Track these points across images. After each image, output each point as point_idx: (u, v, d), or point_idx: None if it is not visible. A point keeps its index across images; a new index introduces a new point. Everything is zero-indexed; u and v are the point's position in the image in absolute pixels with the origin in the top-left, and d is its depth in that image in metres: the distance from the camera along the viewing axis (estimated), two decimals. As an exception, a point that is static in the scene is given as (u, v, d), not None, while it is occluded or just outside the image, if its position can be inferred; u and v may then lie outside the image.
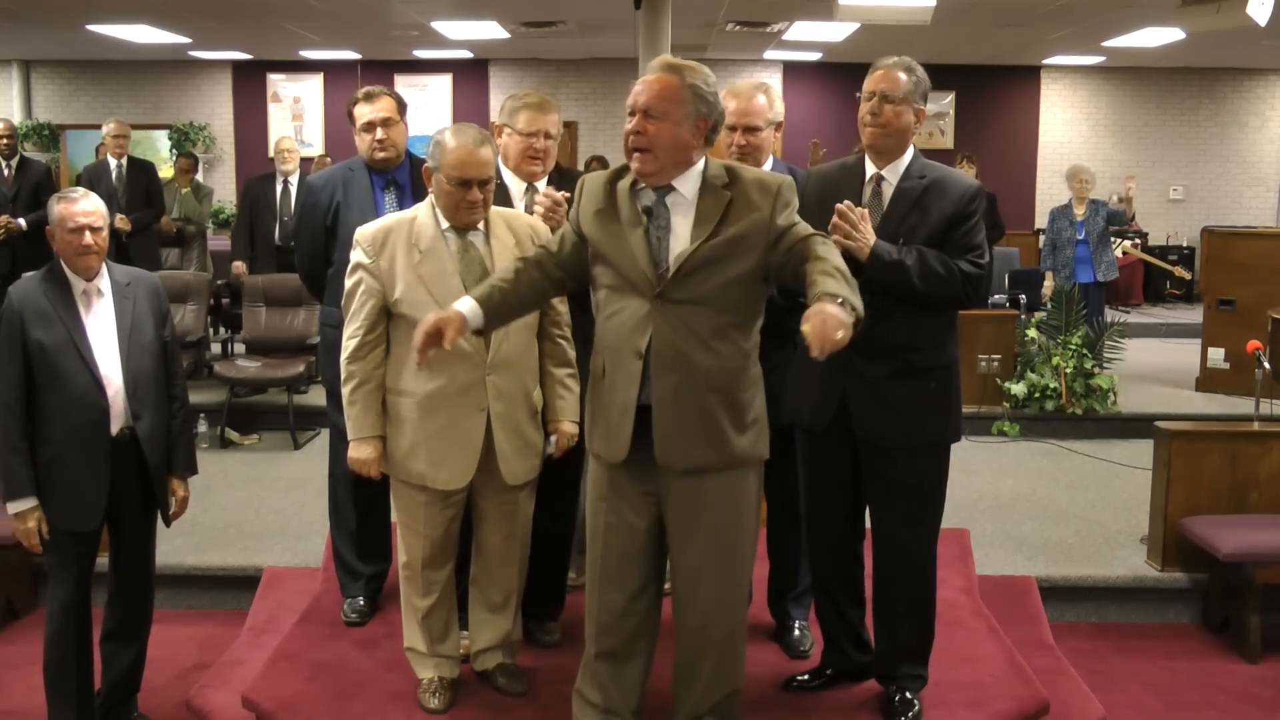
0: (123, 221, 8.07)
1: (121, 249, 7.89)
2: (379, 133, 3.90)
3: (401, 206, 3.80)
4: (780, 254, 2.75)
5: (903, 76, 3.17)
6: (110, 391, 3.41)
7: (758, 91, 3.56)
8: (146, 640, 3.70)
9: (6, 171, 8.12)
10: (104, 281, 3.47)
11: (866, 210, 3.16)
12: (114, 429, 3.43)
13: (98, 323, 3.44)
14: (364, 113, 3.92)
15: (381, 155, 3.92)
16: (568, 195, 3.20)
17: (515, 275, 2.94)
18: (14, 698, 4.03)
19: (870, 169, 3.27)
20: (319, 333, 4.36)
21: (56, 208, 3.40)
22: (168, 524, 3.65)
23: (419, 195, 3.39)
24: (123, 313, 3.47)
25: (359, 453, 3.21)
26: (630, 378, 2.79)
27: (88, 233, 3.37)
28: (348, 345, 3.19)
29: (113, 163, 8.28)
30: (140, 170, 8.45)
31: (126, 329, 3.46)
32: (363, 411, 3.19)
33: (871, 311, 3.13)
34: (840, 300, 2.50)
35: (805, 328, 2.46)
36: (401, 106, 3.99)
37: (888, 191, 3.23)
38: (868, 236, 3.09)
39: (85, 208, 3.39)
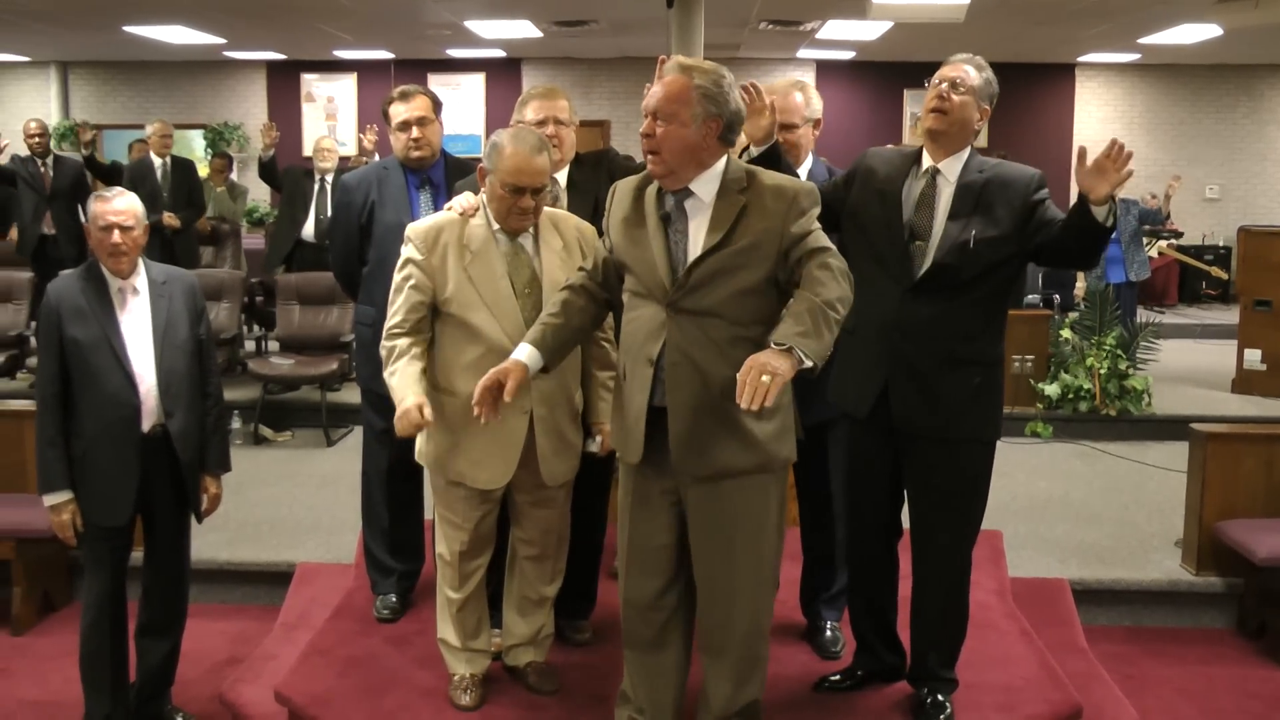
0: (171, 219, 8.15)
1: (166, 245, 7.98)
2: (414, 131, 3.91)
3: (436, 205, 3.80)
4: (789, 265, 2.70)
5: (973, 71, 3.16)
6: (142, 389, 3.44)
7: (794, 89, 3.54)
8: (181, 635, 3.73)
9: (44, 171, 8.22)
10: (140, 279, 3.50)
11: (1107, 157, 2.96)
12: (145, 426, 3.46)
13: (133, 320, 3.47)
14: (399, 112, 3.93)
15: (417, 154, 3.93)
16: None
17: (563, 308, 2.95)
18: (51, 688, 4.09)
19: (926, 161, 3.22)
20: (353, 331, 4.37)
21: (93, 206, 3.43)
22: (199, 520, 3.68)
23: (454, 194, 3.40)
24: (158, 311, 3.50)
25: (402, 411, 3.01)
26: (643, 383, 2.80)
27: (117, 231, 3.39)
28: (387, 328, 3.19)
29: (156, 161, 8.39)
30: (183, 169, 8.57)
31: (161, 327, 3.49)
32: (402, 379, 3.08)
33: (925, 300, 3.12)
34: (786, 348, 2.45)
35: (738, 374, 2.43)
36: (437, 105, 3.99)
37: (944, 186, 3.18)
38: (1109, 188, 2.94)
39: (117, 207, 3.41)
